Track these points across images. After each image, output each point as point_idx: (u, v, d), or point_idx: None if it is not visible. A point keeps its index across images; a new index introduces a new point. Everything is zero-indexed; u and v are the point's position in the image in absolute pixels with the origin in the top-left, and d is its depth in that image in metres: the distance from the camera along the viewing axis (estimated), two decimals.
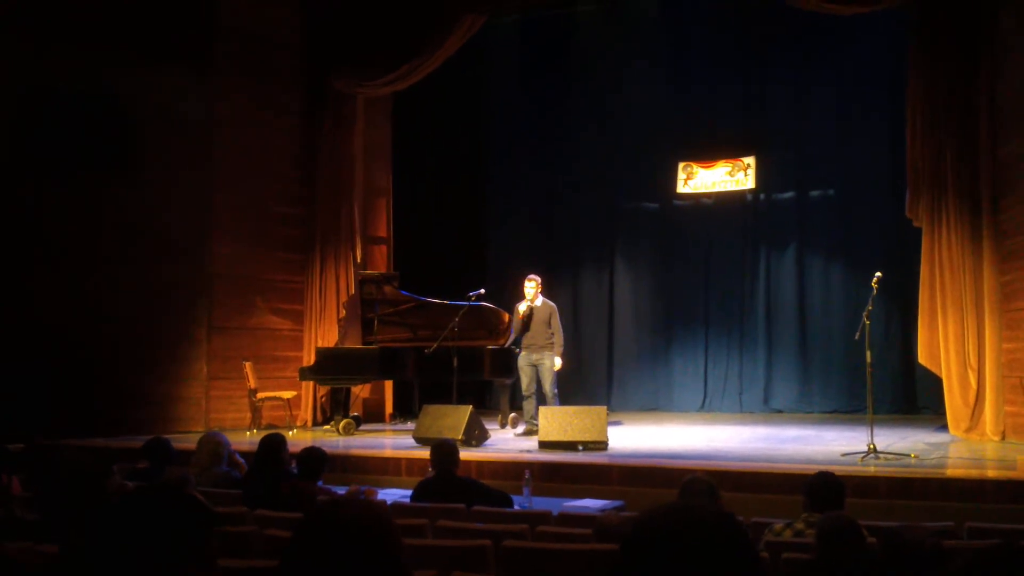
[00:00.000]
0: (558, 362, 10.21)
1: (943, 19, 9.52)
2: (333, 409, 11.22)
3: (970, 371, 9.23)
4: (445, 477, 5.72)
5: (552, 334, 10.22)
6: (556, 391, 10.20)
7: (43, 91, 10.48)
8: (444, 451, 5.81)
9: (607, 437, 8.68)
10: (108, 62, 10.70)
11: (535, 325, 10.24)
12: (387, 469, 8.42)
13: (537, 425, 9.21)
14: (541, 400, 10.12)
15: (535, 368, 10.21)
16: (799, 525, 4.27)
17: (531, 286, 10.29)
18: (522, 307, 10.28)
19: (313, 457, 5.79)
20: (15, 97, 10.41)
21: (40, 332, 10.20)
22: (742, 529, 1.47)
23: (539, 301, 10.30)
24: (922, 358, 9.67)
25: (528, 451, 8.59)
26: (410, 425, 10.77)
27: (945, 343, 9.35)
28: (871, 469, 7.15)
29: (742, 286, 13.67)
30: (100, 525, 1.99)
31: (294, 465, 5.97)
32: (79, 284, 10.59)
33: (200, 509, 2.09)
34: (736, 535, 1.44)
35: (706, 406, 13.64)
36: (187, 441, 8.61)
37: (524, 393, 10.28)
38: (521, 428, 10.32)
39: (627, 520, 4.20)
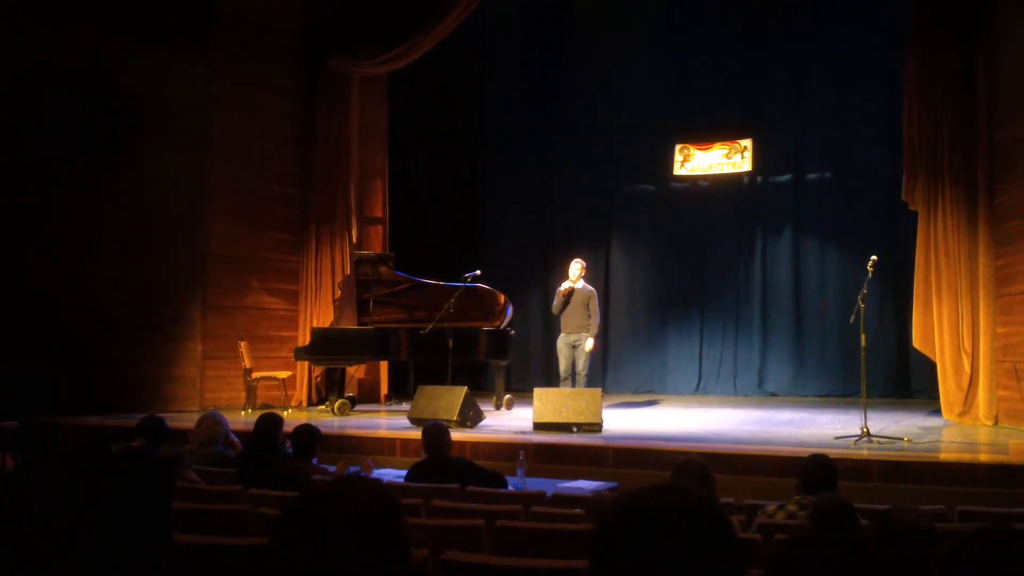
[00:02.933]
0: (591, 343, 10.54)
1: (941, 3, 9.49)
2: (328, 389, 11.24)
3: (964, 355, 9.25)
4: (439, 458, 5.72)
5: (589, 316, 10.52)
6: (587, 372, 10.52)
7: (38, 73, 10.42)
8: (435, 433, 5.82)
9: (601, 419, 8.69)
10: (104, 45, 10.64)
11: (573, 307, 10.60)
12: (382, 449, 8.44)
13: None
14: (574, 382, 10.35)
15: (572, 349, 10.57)
16: (792, 507, 4.28)
17: (576, 268, 10.70)
18: (564, 285, 10.60)
19: (306, 434, 5.79)
20: (9, 79, 10.35)
21: (36, 313, 10.19)
22: (721, 512, 1.46)
23: (580, 284, 10.52)
24: (916, 342, 9.69)
25: (523, 432, 8.61)
26: (405, 406, 10.78)
27: (939, 327, 9.37)
28: (864, 452, 7.18)
29: (738, 269, 13.67)
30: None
31: (288, 445, 5.99)
32: (75, 265, 10.57)
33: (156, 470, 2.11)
34: (714, 518, 1.43)
35: (700, 389, 13.67)
36: (182, 420, 8.63)
37: (562, 375, 10.58)
38: None
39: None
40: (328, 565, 1.57)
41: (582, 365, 10.49)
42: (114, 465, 2.21)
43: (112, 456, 2.36)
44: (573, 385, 10.34)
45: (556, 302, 10.70)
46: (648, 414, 10.92)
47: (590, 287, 10.75)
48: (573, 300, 10.59)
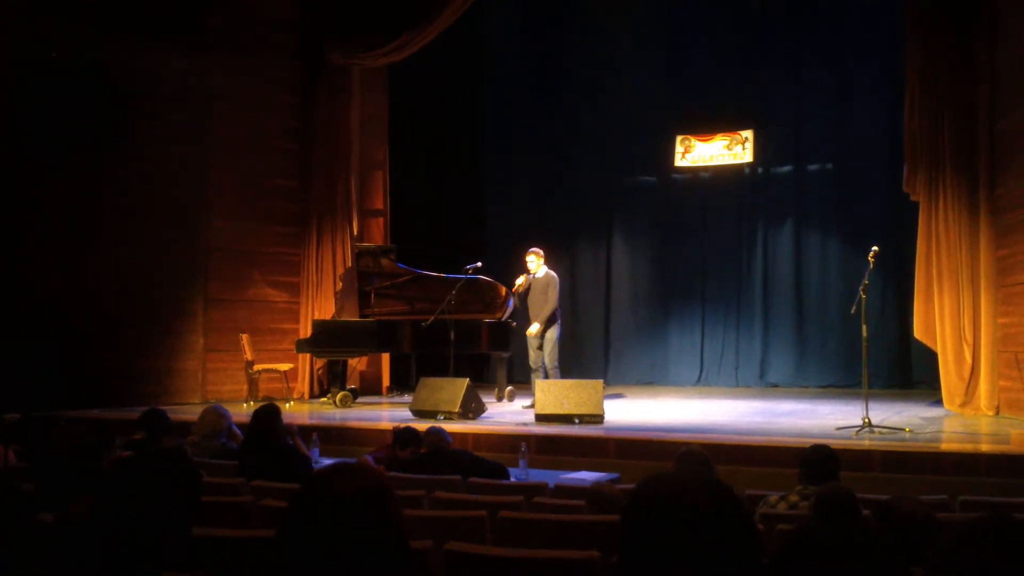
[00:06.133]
0: (535, 328, 10.39)
1: None
2: (330, 381, 11.24)
3: (965, 346, 9.25)
4: (440, 451, 5.74)
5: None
6: (556, 364, 10.33)
7: (36, 67, 10.39)
8: (435, 437, 5.85)
9: (603, 410, 8.70)
10: (101, 37, 10.61)
11: (535, 296, 10.42)
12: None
13: None
14: (545, 374, 10.28)
15: (541, 340, 10.37)
16: (793, 497, 4.29)
17: (531, 259, 10.54)
18: (519, 280, 10.40)
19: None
20: (8, 73, 10.34)
21: (39, 307, 10.18)
22: (737, 498, 1.48)
23: (541, 272, 10.44)
24: (918, 332, 9.69)
25: (525, 424, 8.62)
26: (407, 398, 10.79)
27: (941, 318, 9.36)
28: (866, 443, 7.18)
29: (739, 260, 13.67)
30: (99, 493, 2.03)
31: (290, 438, 6.00)
32: (76, 259, 10.57)
33: (188, 469, 2.13)
34: (732, 503, 1.45)
35: (702, 380, 13.67)
36: (184, 413, 8.65)
37: (532, 366, 10.42)
38: (529, 400, 10.33)
39: (621, 491, 4.22)
40: (329, 551, 1.60)
41: (548, 358, 10.38)
42: (147, 463, 2.23)
43: (145, 456, 2.39)
44: (545, 378, 10.18)
45: (515, 299, 10.68)
46: (650, 405, 10.92)
47: (552, 273, 10.63)
48: (534, 289, 10.50)
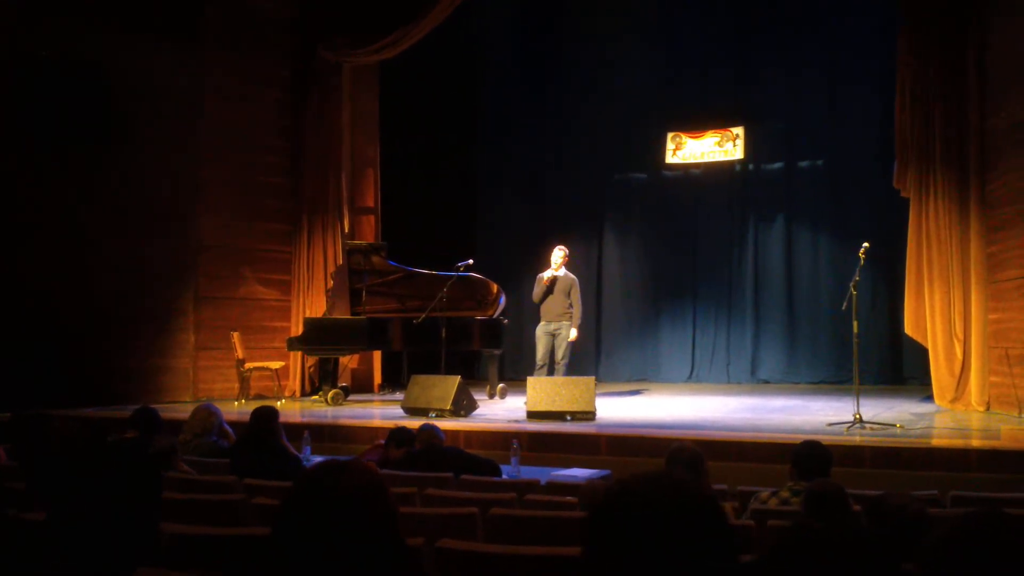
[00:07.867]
0: (574, 333, 10.47)
1: None
2: (321, 379, 11.23)
3: (956, 342, 9.27)
4: (432, 448, 5.74)
5: (571, 305, 10.43)
6: (567, 362, 10.40)
7: (30, 66, 10.35)
8: (428, 436, 5.85)
9: (595, 407, 8.70)
10: (94, 35, 10.57)
11: (555, 295, 10.53)
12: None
13: None
14: (552, 370, 10.29)
15: (552, 337, 10.46)
16: (785, 493, 4.29)
17: (559, 255, 10.60)
18: (546, 274, 10.54)
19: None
20: (7, 73, 10.29)
21: (29, 305, 10.15)
22: (712, 499, 1.47)
23: (563, 271, 10.48)
24: (908, 329, 9.71)
25: (517, 421, 8.62)
26: (398, 395, 10.78)
27: (931, 314, 9.39)
28: (857, 439, 7.20)
29: (730, 257, 13.68)
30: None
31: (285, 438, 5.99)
32: (67, 257, 10.53)
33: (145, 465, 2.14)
34: (705, 504, 1.44)
35: (693, 377, 13.69)
36: (175, 411, 8.63)
37: (539, 362, 10.47)
38: None
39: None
40: (324, 548, 1.59)
41: (562, 355, 10.41)
42: (106, 456, 2.22)
43: (104, 447, 2.38)
44: (551, 374, 10.26)
45: (537, 290, 10.61)
46: (641, 402, 10.94)
47: (571, 275, 10.68)
48: (555, 288, 10.53)
